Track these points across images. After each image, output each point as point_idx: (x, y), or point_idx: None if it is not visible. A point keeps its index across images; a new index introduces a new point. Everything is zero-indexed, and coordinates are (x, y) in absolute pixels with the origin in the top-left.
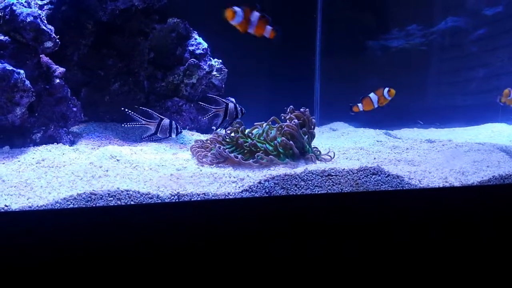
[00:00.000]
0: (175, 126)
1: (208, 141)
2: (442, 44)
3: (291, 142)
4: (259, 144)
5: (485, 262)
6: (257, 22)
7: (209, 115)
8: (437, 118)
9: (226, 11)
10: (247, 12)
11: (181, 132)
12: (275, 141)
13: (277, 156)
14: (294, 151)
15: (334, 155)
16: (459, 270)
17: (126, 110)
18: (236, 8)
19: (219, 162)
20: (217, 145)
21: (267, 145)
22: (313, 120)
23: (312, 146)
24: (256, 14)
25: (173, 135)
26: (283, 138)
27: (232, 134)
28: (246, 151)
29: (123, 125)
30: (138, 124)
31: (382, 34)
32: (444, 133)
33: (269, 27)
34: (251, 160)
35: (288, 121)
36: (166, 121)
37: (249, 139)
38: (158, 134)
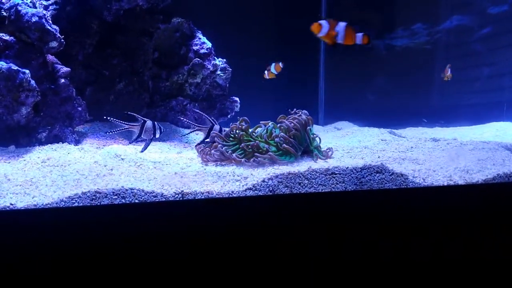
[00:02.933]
0: (158, 127)
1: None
2: (447, 43)
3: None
4: (261, 145)
5: (489, 260)
6: (345, 32)
7: (192, 131)
8: (442, 117)
9: (312, 26)
10: (332, 24)
11: (164, 131)
12: (276, 139)
13: (280, 155)
14: (295, 149)
15: (332, 152)
16: (463, 268)
17: (109, 118)
18: (322, 21)
19: (222, 161)
20: (220, 145)
21: (270, 146)
22: (303, 117)
23: (317, 144)
24: (342, 24)
25: (157, 135)
26: (284, 135)
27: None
28: (248, 152)
29: (106, 133)
30: (121, 129)
31: (387, 33)
32: (449, 132)
33: (359, 34)
34: (252, 160)
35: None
36: (149, 122)
37: (252, 139)
38: (142, 136)
